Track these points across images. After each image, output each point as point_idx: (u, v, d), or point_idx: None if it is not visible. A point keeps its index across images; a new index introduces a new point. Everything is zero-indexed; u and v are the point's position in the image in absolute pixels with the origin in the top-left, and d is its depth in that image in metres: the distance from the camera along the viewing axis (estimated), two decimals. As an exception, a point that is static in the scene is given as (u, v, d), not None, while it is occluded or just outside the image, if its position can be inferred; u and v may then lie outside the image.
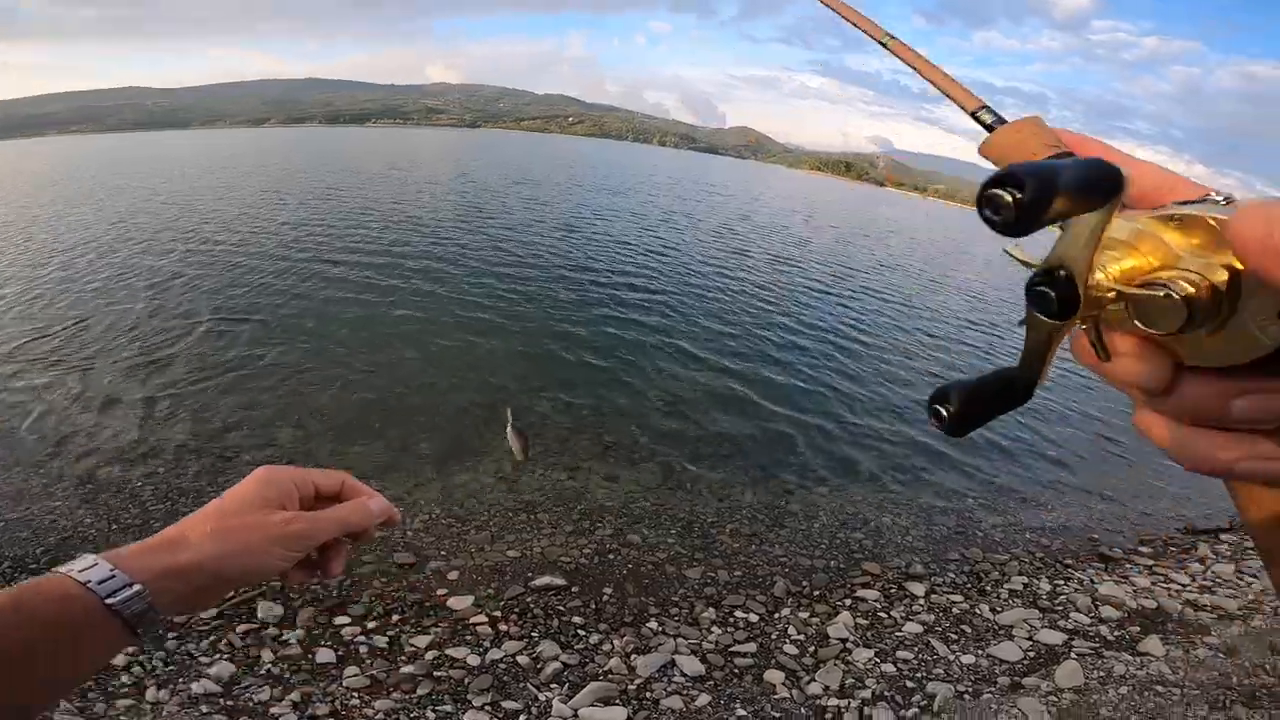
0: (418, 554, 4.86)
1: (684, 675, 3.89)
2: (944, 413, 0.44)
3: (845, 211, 55.65)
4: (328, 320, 9.47)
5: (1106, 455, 9.17)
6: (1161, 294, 0.36)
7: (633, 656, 4.02)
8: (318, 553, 0.88)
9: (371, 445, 6.21)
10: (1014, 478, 7.67)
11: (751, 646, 4.22)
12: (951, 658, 4.17)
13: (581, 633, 4.24)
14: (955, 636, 4.45)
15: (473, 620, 4.25)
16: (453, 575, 4.68)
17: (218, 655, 3.83)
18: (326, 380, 7.47)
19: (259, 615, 4.18)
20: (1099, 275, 0.38)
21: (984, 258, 34.67)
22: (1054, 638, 4.45)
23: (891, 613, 4.71)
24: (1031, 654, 4.27)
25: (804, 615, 4.62)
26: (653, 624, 4.40)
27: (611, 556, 5.08)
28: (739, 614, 4.59)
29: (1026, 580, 5.34)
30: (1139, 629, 4.65)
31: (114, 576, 0.69)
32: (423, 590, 4.53)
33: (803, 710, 3.66)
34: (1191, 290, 0.36)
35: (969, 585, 5.25)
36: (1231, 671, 3.90)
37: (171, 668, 3.70)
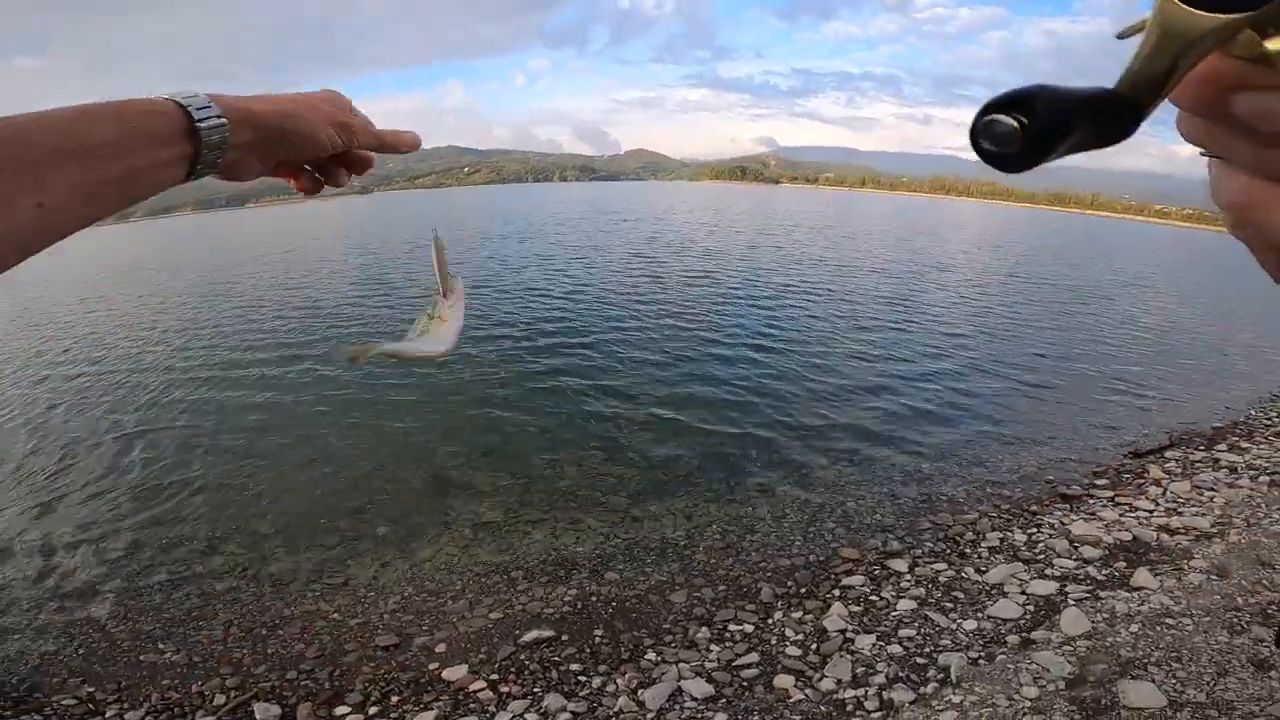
0: (399, 634, 4.65)
1: (694, 699, 3.79)
2: (1017, 124, 0.32)
3: (745, 214, 56.92)
4: (238, 425, 8.92)
5: (1036, 399, 9.56)
6: None
7: (639, 691, 3.91)
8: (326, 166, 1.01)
9: (325, 540, 5.92)
10: (957, 438, 7.90)
11: (754, 657, 4.16)
12: (954, 626, 4.21)
13: (583, 679, 4.11)
14: (950, 605, 4.50)
15: (472, 688, 4.08)
16: (440, 648, 4.49)
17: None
18: (257, 485, 7.07)
19: (257, 717, 3.96)
20: None
21: (877, 236, 35.89)
22: (1046, 588, 4.54)
23: (882, 594, 4.73)
24: (1030, 608, 4.33)
25: (797, 615, 4.60)
26: (651, 655, 4.30)
27: (594, 598, 4.97)
28: (733, 627, 4.54)
29: (1001, 535, 5.47)
30: (1125, 564, 4.79)
31: (209, 106, 0.77)
32: (414, 668, 4.33)
33: (822, 708, 3.62)
34: None
35: (949, 551, 5.34)
36: (1233, 592, 4.05)
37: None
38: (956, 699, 3.43)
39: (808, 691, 3.79)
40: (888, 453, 7.41)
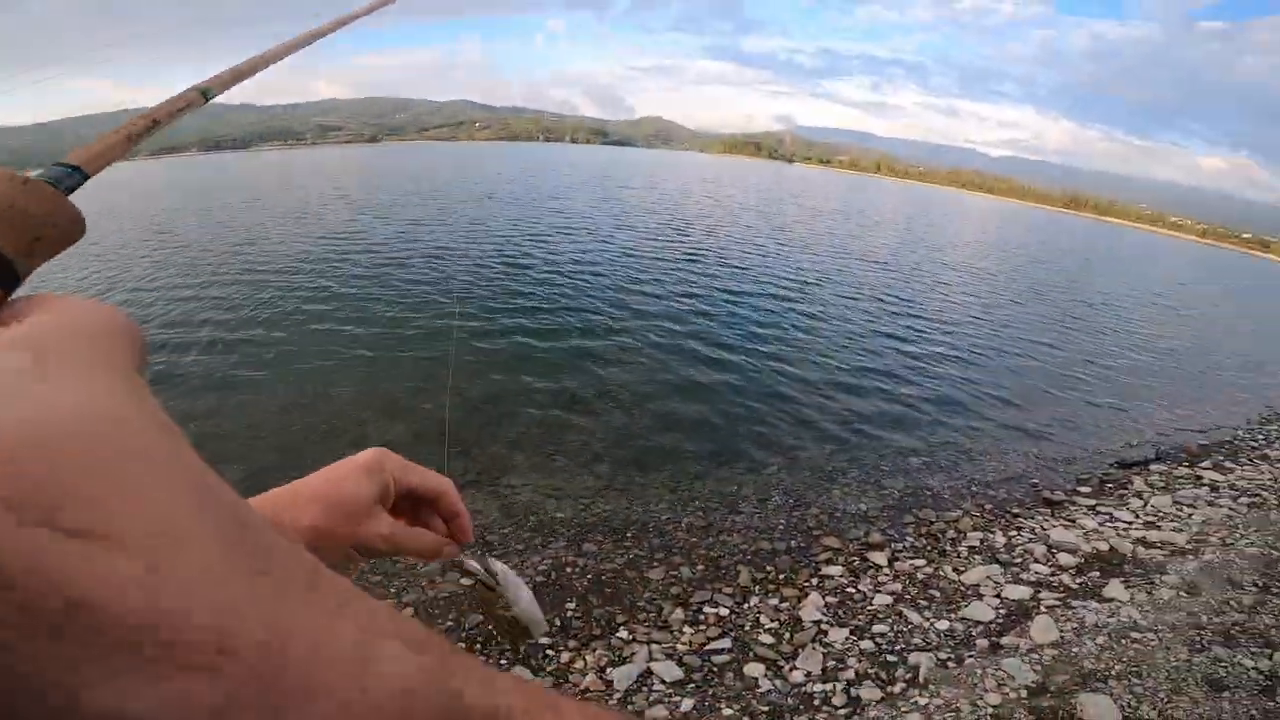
0: (364, 589, 4.57)
1: (663, 683, 3.76)
2: None
3: (757, 190, 56.46)
4: (204, 373, 8.88)
5: (1028, 402, 9.50)
6: None
7: (607, 670, 3.87)
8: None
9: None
10: (948, 433, 7.86)
11: (726, 642, 4.13)
12: (926, 625, 4.18)
13: (550, 653, 4.07)
14: (925, 603, 4.47)
15: (434, 656, 4.02)
16: (407, 613, 4.43)
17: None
18: (223, 433, 7.00)
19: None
20: None
21: (886, 225, 35.64)
22: (1020, 592, 4.51)
23: (859, 586, 4.70)
24: (1003, 612, 4.30)
25: (774, 602, 4.56)
26: (623, 633, 4.26)
27: (569, 570, 4.91)
28: (708, 609, 4.50)
29: (982, 535, 5.44)
30: (1099, 574, 4.77)
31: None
32: (378, 633, 4.27)
33: (789, 700, 3.59)
34: None
35: (929, 548, 5.31)
36: (1199, 610, 4.01)
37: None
38: (923, 701, 3.40)
39: (777, 682, 3.76)
40: (879, 443, 7.36)
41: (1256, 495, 6.43)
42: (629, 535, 5.39)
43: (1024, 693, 3.37)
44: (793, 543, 5.35)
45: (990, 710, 3.25)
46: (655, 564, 5.03)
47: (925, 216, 55.82)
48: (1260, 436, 8.99)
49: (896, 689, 3.59)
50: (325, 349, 9.26)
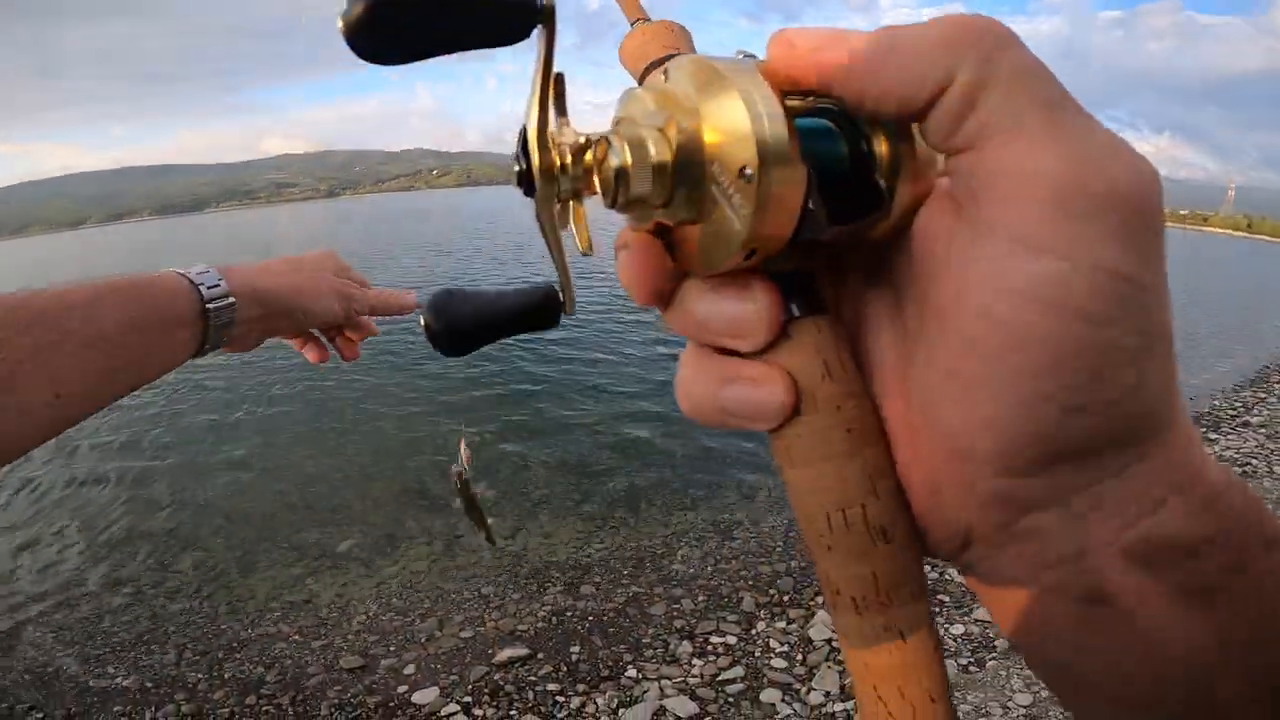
0: (365, 655, 4.44)
1: (678, 719, 3.65)
2: (426, 325, 0.36)
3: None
4: (189, 437, 8.64)
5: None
6: (602, 154, 0.31)
7: (620, 712, 3.75)
8: (335, 337, 1.03)
9: (285, 558, 5.66)
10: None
11: (738, 670, 4.02)
12: (941, 631, 4.11)
13: (560, 699, 3.94)
14: (936, 608, 4.41)
15: (444, 712, 3.87)
16: (409, 670, 4.28)
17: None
18: (210, 500, 6.77)
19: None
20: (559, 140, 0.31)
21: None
22: (1031, 588, 4.47)
23: (866, 600, 4.64)
24: (1016, 609, 4.25)
25: (781, 625, 4.47)
26: (631, 672, 4.14)
27: (569, 613, 4.79)
28: (715, 639, 4.39)
29: (982, 535, 5.42)
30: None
31: (220, 285, 0.77)
32: (382, 691, 4.12)
33: (811, 724, 3.50)
34: (637, 151, 0.30)
35: (930, 553, 5.27)
36: None
37: None
38: (950, 709, 3.32)
39: (796, 705, 3.66)
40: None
41: (1246, 464, 6.49)
42: (625, 573, 5.28)
43: (1053, 690, 3.33)
44: (793, 563, 5.27)
45: (1022, 711, 3.19)
46: (656, 599, 4.92)
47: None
48: (1238, 404, 9.11)
49: (920, 700, 3.52)
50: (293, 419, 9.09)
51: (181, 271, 0.76)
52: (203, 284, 0.75)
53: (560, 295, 0.38)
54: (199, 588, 5.33)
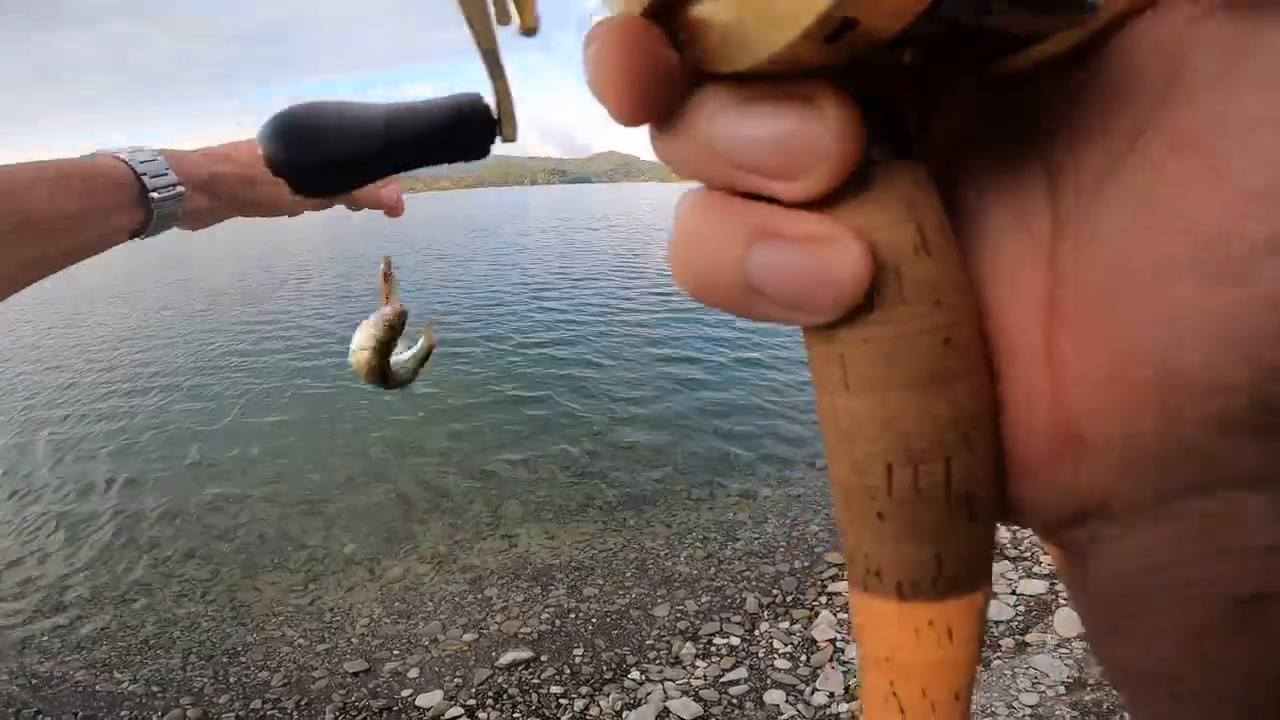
0: (369, 659, 4.45)
1: (682, 720, 3.67)
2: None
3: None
4: (191, 441, 8.64)
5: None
6: None
7: (624, 714, 3.76)
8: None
9: (289, 562, 5.67)
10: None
11: (742, 672, 4.02)
12: (946, 631, 4.12)
13: (564, 701, 3.94)
14: (939, 607, 4.42)
15: (448, 715, 3.89)
16: (413, 673, 4.29)
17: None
18: (214, 504, 6.78)
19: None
20: None
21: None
22: (1036, 587, 4.43)
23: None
24: (1022, 609, 4.23)
25: (784, 625, 4.47)
26: (635, 674, 4.14)
27: (572, 615, 4.79)
28: (719, 641, 4.39)
29: (986, 535, 5.41)
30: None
31: (167, 174, 0.75)
32: (386, 695, 4.13)
33: (816, 725, 3.50)
34: None
35: (933, 553, 5.26)
36: None
37: None
38: (955, 710, 3.32)
39: (800, 707, 3.66)
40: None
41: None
42: (628, 575, 5.28)
43: (1061, 689, 3.30)
44: (796, 563, 5.27)
45: (1029, 710, 3.19)
46: (659, 600, 4.92)
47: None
48: None
49: (924, 700, 3.52)
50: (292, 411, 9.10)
51: (124, 157, 0.73)
52: (146, 173, 0.73)
53: (494, 110, 0.26)
54: (204, 592, 5.34)
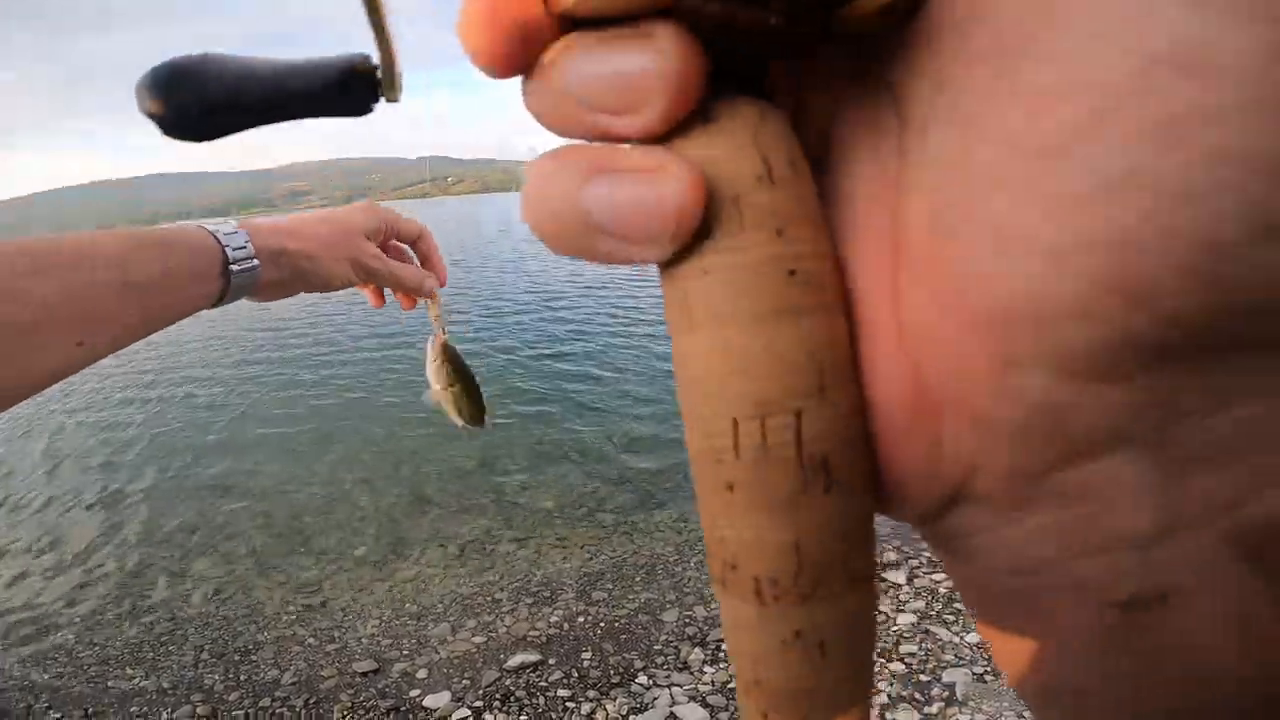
0: (378, 659, 4.47)
1: (689, 726, 3.66)
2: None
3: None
4: (205, 443, 8.75)
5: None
6: None
7: (631, 718, 3.76)
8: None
9: (300, 562, 5.73)
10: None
11: (750, 678, 4.03)
12: (957, 640, 4.07)
13: (571, 705, 3.94)
14: (952, 617, 4.37)
15: (455, 716, 3.89)
16: (421, 674, 4.31)
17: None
18: (227, 505, 6.86)
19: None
20: None
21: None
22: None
23: (881, 607, 4.61)
24: (1031, 615, 4.21)
25: (793, 632, 4.47)
26: (642, 679, 4.13)
27: (581, 619, 4.80)
28: (727, 646, 4.39)
29: (996, 544, 5.38)
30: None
31: (246, 247, 0.78)
32: (394, 695, 4.15)
33: (822, 732, 3.49)
34: None
35: (945, 562, 5.23)
36: None
37: None
38: (964, 718, 3.30)
39: (807, 713, 3.64)
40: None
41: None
42: (637, 580, 5.28)
43: (1069, 699, 3.30)
44: (805, 570, 5.26)
45: None
46: (668, 605, 4.92)
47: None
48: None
49: (934, 709, 3.49)
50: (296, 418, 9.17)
51: (210, 229, 0.78)
52: (229, 245, 0.77)
53: (376, 70, 0.25)
54: (217, 590, 5.39)
